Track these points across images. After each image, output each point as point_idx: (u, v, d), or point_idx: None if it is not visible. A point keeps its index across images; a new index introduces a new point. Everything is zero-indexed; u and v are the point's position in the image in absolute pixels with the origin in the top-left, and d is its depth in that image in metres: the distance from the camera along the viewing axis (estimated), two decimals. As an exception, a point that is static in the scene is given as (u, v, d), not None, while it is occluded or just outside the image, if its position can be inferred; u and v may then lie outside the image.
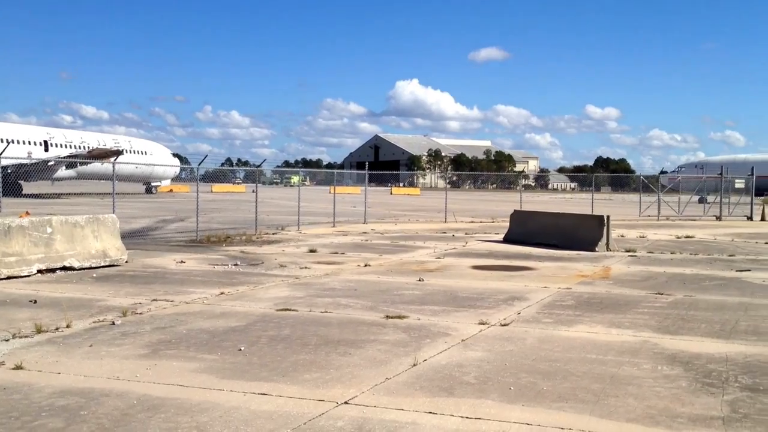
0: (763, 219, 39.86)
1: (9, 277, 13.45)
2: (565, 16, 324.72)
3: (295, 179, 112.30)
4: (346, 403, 6.51)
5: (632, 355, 8.41)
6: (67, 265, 14.74)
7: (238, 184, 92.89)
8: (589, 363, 8.03)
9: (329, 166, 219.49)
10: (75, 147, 59.37)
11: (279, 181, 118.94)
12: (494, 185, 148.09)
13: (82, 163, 52.07)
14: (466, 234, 26.96)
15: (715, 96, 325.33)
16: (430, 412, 6.27)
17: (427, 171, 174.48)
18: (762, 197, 59.81)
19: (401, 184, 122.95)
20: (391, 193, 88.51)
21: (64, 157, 51.63)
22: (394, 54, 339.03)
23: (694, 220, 39.43)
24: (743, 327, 10.15)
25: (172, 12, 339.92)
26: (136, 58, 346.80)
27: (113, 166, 21.99)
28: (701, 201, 46.10)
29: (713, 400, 6.73)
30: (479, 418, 6.14)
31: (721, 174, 43.31)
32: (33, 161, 49.23)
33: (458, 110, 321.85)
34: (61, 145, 58.41)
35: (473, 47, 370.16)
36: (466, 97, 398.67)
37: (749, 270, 16.70)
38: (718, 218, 40.44)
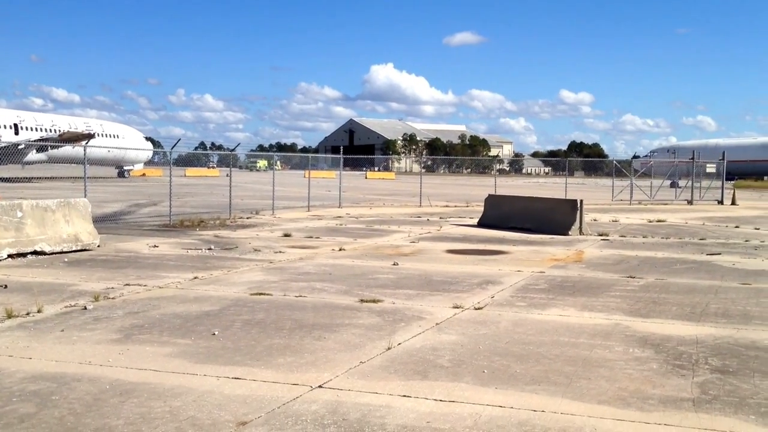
0: (733, 203, 40.33)
1: (-22, 262, 13.27)
2: (540, 1, 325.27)
3: (261, 164, 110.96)
4: (320, 386, 6.51)
5: (604, 338, 8.50)
6: (38, 249, 14.57)
7: (212, 168, 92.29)
8: (562, 346, 8.10)
9: (304, 150, 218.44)
10: (46, 130, 58.55)
11: (254, 165, 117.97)
12: (469, 170, 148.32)
13: (53, 147, 51.34)
14: (440, 218, 27.02)
15: (687, 81, 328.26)
16: (404, 395, 6.29)
17: (402, 155, 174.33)
18: (733, 181, 60.59)
19: (376, 169, 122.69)
20: (366, 178, 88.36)
21: (34, 141, 50.90)
22: (369, 38, 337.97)
23: (666, 204, 39.82)
24: (713, 309, 10.28)
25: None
26: (108, 40, 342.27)
27: (84, 150, 21.68)
28: (673, 185, 46.51)
29: (684, 382, 6.81)
30: (453, 401, 6.17)
31: (692, 158, 43.75)
32: (2, 144, 48.50)
33: (433, 95, 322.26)
34: (31, 129, 57.57)
35: (448, 32, 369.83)
36: (441, 81, 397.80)
37: (720, 253, 16.91)
38: (690, 202, 40.89)
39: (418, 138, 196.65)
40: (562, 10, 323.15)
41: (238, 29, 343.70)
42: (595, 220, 26.25)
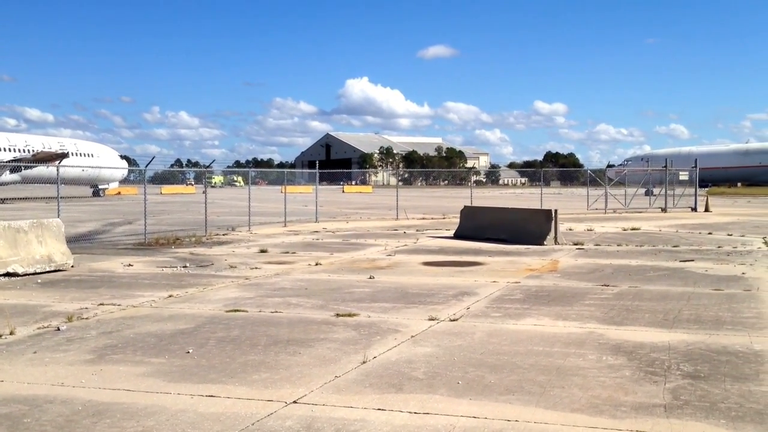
0: (707, 210, 40.75)
1: (-50, 285, 13.12)
2: (512, 14, 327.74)
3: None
4: (294, 402, 6.51)
5: (578, 347, 8.56)
6: (11, 271, 14.43)
7: (189, 185, 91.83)
8: (536, 355, 8.15)
9: (281, 165, 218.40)
10: (19, 150, 58.07)
11: (232, 182, 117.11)
12: (446, 182, 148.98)
13: (26, 167, 50.90)
14: (417, 231, 27.09)
15: (658, 90, 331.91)
16: (379, 409, 6.30)
17: (379, 169, 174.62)
18: (706, 188, 61.28)
19: (353, 183, 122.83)
20: (343, 192, 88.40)
21: (7, 162, 50.49)
22: (344, 52, 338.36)
23: (641, 212, 40.18)
24: (686, 316, 10.39)
25: (115, 11, 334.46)
26: (80, 59, 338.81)
27: (57, 170, 21.53)
28: (647, 193, 46.94)
29: (656, 388, 6.88)
30: (427, 413, 6.20)
31: (665, 166, 44.22)
32: (-25, 166, 48.04)
33: (409, 108, 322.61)
34: (4, 149, 57.07)
35: (422, 45, 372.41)
36: (417, 94, 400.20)
37: (692, 260, 17.09)
38: (664, 210, 41.29)
39: (394, 151, 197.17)
40: (533, 23, 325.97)
41: (211, 46, 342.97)
42: (570, 229, 26.43)
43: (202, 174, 34.40)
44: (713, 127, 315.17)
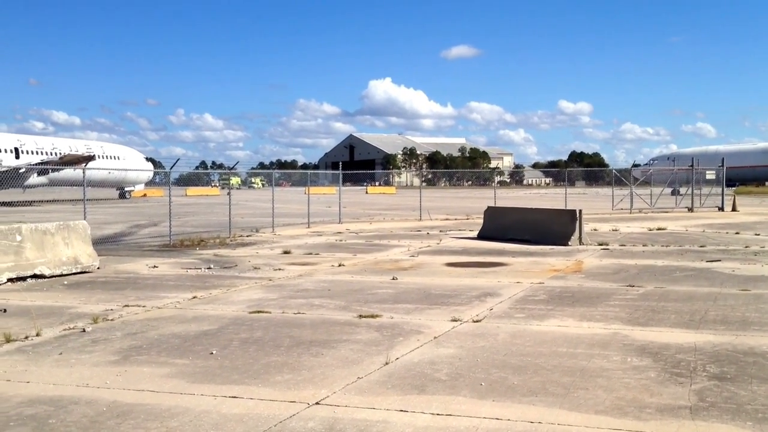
0: (734, 209, 40.28)
1: (-22, 287, 13.29)
2: (535, 13, 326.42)
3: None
4: (317, 403, 6.51)
5: (602, 348, 8.49)
6: (38, 272, 14.59)
7: (215, 186, 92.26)
8: (560, 357, 8.09)
9: (305, 166, 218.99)
10: (46, 153, 58.75)
11: (250, 184, 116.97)
12: (469, 182, 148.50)
13: (53, 170, 51.50)
14: (440, 231, 27.03)
15: (684, 89, 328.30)
16: (401, 410, 6.29)
17: (403, 169, 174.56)
18: (733, 188, 60.57)
19: (377, 183, 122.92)
20: (366, 193, 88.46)
21: (35, 164, 51.09)
22: (367, 53, 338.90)
23: (667, 212, 39.80)
24: (712, 317, 10.28)
25: (141, 15, 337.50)
26: (106, 62, 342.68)
27: (83, 172, 21.76)
28: (674, 193, 46.48)
29: (681, 390, 6.81)
30: (450, 415, 6.17)
31: (692, 166, 43.77)
32: (3, 169, 48.66)
33: (432, 108, 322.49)
34: (32, 152, 57.75)
35: (445, 45, 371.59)
36: (440, 94, 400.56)
37: (719, 260, 16.90)
38: (690, 210, 40.85)
39: (418, 152, 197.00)
40: (557, 22, 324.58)
41: (235, 48, 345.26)
42: (595, 229, 26.25)
43: (224, 176, 34.57)
44: (740, 126, 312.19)
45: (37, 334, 9.39)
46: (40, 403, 6.59)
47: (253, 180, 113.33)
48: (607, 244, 20.90)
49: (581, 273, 15.13)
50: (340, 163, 42.40)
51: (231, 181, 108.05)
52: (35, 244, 14.85)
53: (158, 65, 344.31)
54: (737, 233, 24.78)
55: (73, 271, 15.30)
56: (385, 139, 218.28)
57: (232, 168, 34.64)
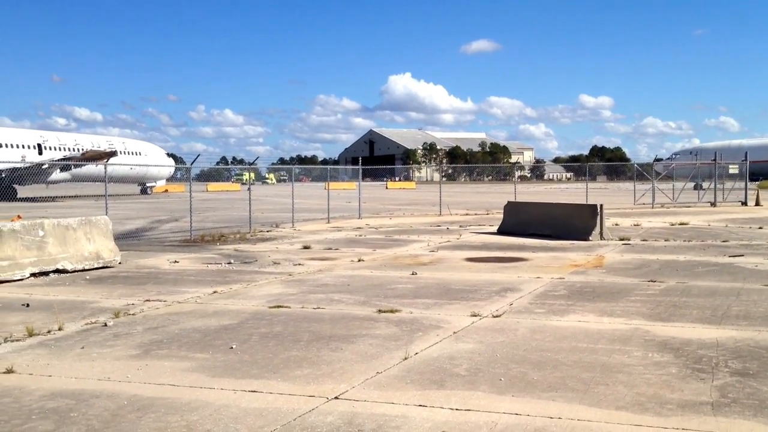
0: (757, 204, 39.91)
1: (2, 282, 13.43)
2: (555, 6, 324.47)
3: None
4: (336, 398, 6.52)
5: (623, 343, 8.43)
6: (60, 267, 14.72)
7: (238, 181, 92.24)
8: (580, 352, 8.05)
9: (324, 162, 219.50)
10: (69, 149, 59.27)
11: (264, 179, 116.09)
12: (490, 177, 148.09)
13: (76, 166, 51.94)
14: (460, 226, 26.98)
15: (707, 82, 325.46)
16: (420, 405, 6.28)
17: (423, 164, 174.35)
18: (756, 182, 59.93)
19: (397, 179, 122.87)
20: (386, 188, 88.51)
21: (57, 160, 51.53)
22: (386, 48, 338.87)
23: (689, 206, 39.47)
24: (735, 312, 10.18)
25: (162, 12, 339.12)
26: (127, 58, 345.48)
27: (105, 168, 21.94)
28: (696, 187, 46.09)
29: (703, 386, 6.75)
30: (469, 410, 6.16)
31: (714, 160, 43.37)
32: (27, 165, 49.15)
33: (452, 103, 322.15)
34: (54, 148, 58.31)
35: (464, 40, 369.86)
36: (460, 89, 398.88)
37: (742, 255, 16.73)
38: (713, 204, 40.49)
39: (438, 147, 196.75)
40: (577, 15, 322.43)
41: (254, 44, 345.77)
42: (616, 224, 26.07)
43: (242, 171, 34.70)
44: (764, 120, 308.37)
45: (60, 329, 9.48)
46: (61, 396, 6.65)
47: (267, 176, 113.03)
48: (629, 239, 20.75)
49: (602, 268, 15.04)
50: (360, 158, 42.38)
51: (244, 177, 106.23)
52: (57, 240, 14.98)
53: (178, 61, 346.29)
54: (761, 228, 24.53)
55: (95, 266, 15.42)
56: (405, 134, 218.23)
57: (252, 163, 34.75)
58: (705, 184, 45.84)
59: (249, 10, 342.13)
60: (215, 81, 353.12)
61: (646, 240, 20.80)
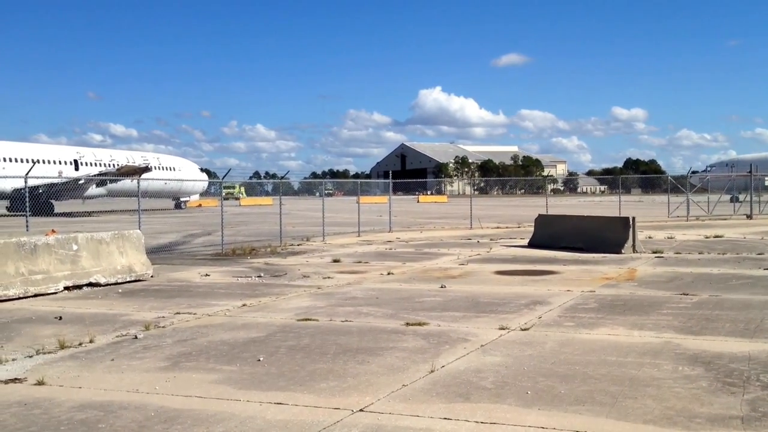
0: (795, 216, 39.25)
1: (36, 295, 13.64)
2: (585, 19, 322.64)
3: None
4: (361, 410, 6.52)
5: (653, 357, 8.33)
6: (93, 281, 14.91)
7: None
8: (609, 365, 7.96)
9: (356, 176, 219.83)
10: (104, 165, 60.16)
11: (317, 191, 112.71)
12: (522, 190, 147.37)
13: (111, 181, 52.65)
14: (491, 240, 26.87)
15: (742, 94, 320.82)
16: (445, 418, 6.26)
17: (455, 178, 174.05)
18: (794, 194, 58.87)
19: (428, 192, 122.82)
20: (418, 201, 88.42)
21: (93, 176, 52.29)
22: (416, 63, 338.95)
23: (724, 219, 38.92)
24: (768, 325, 10.01)
25: (194, 29, 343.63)
26: (161, 76, 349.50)
27: (138, 183, 22.26)
28: (732, 200, 45.45)
29: (733, 400, 6.64)
30: (494, 423, 6.12)
31: (750, 172, 42.76)
32: (63, 180, 49.91)
33: (483, 116, 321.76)
34: (90, 164, 59.22)
35: (495, 54, 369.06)
36: (491, 102, 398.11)
37: (778, 268, 16.45)
38: (749, 217, 39.88)
39: (470, 160, 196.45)
40: (608, 27, 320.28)
41: (286, 60, 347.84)
42: (649, 237, 25.79)
43: (278, 185, 34.96)
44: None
45: (91, 341, 9.60)
46: (90, 407, 6.72)
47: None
48: (662, 252, 20.51)
49: (634, 281, 14.88)
50: (390, 172, 42.42)
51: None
52: (91, 253, 15.18)
53: (211, 78, 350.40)
54: (798, 240, 24.10)
55: (128, 279, 15.60)
56: (436, 148, 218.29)
57: (283, 177, 34.98)
58: (741, 197, 45.18)
59: (280, 27, 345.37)
60: (247, 96, 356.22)
61: (679, 253, 20.55)
